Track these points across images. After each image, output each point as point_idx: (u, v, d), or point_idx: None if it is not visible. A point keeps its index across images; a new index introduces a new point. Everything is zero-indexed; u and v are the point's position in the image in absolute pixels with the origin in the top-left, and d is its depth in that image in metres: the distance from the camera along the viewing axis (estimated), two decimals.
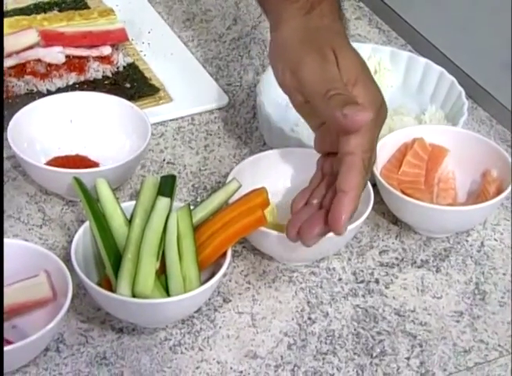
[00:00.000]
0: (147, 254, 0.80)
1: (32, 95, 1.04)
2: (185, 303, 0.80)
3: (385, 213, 0.95)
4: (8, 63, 1.05)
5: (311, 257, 0.89)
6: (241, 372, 0.80)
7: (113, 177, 0.90)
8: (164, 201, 0.84)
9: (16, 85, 1.05)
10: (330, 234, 0.82)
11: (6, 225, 0.92)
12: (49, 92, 1.05)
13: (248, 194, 0.84)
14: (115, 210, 0.85)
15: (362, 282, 0.89)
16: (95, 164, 0.97)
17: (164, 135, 1.04)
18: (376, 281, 0.89)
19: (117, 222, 0.84)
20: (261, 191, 0.84)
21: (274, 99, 1.04)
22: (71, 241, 0.85)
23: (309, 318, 0.85)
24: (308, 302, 0.87)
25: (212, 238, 0.83)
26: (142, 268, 0.80)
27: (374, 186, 0.91)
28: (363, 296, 0.88)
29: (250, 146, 1.04)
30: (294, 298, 0.87)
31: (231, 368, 0.81)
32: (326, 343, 0.83)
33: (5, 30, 1.08)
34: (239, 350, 0.82)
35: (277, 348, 0.83)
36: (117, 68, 1.10)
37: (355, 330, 0.85)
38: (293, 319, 0.85)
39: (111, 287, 0.80)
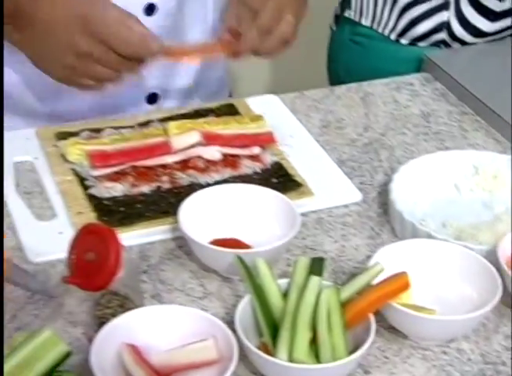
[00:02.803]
0: (302, 325, 0.83)
1: (193, 187, 1.09)
2: (334, 370, 0.82)
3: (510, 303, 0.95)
4: (174, 158, 1.11)
5: (442, 337, 0.90)
6: None
7: (266, 258, 0.93)
8: (315, 280, 0.87)
9: (181, 178, 1.10)
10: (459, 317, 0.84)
11: (173, 296, 0.95)
12: (208, 185, 1.10)
13: (391, 277, 0.86)
14: (272, 286, 0.88)
15: (489, 363, 0.89)
16: (248, 247, 1.00)
17: (306, 224, 1.08)
18: (503, 363, 0.89)
19: (274, 297, 0.87)
20: (404, 274, 0.86)
21: (403, 197, 1.07)
22: (228, 313, 0.88)
23: None
24: None
25: (359, 313, 0.85)
26: (298, 337, 0.82)
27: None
28: None
29: (382, 237, 1.06)
30: (427, 373, 0.88)
31: None
32: None
33: (173, 130, 1.14)
34: None
35: None
36: (265, 166, 1.14)
37: None
38: None
39: (268, 354, 0.83)
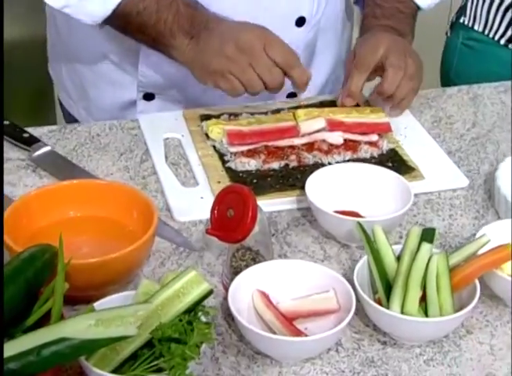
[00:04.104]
0: (414, 284, 0.85)
1: (317, 166, 1.11)
2: (440, 325, 0.83)
3: None
4: (301, 141, 1.14)
5: None
6: None
7: (382, 227, 0.95)
8: (427, 246, 0.88)
9: (307, 157, 1.13)
10: None
11: (297, 256, 0.98)
12: (330, 164, 1.12)
13: (495, 248, 0.87)
14: (387, 249, 0.90)
15: None
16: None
17: (417, 203, 1.09)
18: None
19: (389, 259, 0.89)
20: (507, 246, 0.86)
21: (508, 184, 1.07)
22: (345, 274, 0.91)
23: None
24: None
25: (465, 278, 0.86)
26: (409, 293, 0.84)
27: None
28: None
29: (487, 218, 1.06)
30: None
31: None
32: None
33: (301, 117, 1.17)
34: (480, 371, 0.84)
35: None
36: (382, 151, 1.16)
37: None
38: None
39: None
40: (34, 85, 1.82)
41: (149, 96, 1.27)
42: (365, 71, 1.17)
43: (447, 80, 1.58)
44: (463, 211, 1.08)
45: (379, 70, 1.18)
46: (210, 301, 0.90)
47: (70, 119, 1.36)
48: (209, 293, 0.79)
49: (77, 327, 0.69)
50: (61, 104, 1.40)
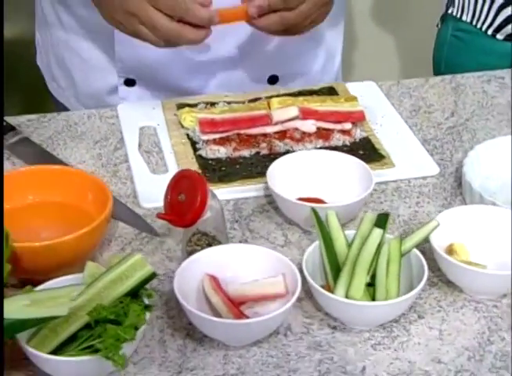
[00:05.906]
0: (360, 268, 0.83)
1: (288, 154, 1.10)
2: (385, 309, 0.81)
3: None
4: (274, 129, 1.13)
5: (493, 291, 0.88)
6: (426, 371, 0.80)
7: (341, 213, 0.94)
8: (377, 231, 0.87)
9: (278, 146, 1.12)
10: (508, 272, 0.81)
11: (258, 242, 0.97)
12: None
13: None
14: (339, 234, 0.88)
15: None
16: None
17: (385, 191, 1.07)
18: None
19: (340, 244, 0.88)
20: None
21: (476, 171, 1.05)
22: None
23: (488, 339, 0.84)
24: (489, 328, 0.85)
25: None
26: (356, 278, 0.82)
27: None
28: None
29: (454, 206, 1.04)
30: (477, 323, 0.86)
31: (418, 368, 0.81)
32: (500, 360, 0.81)
33: (275, 105, 1.16)
34: (427, 355, 0.82)
35: (458, 358, 0.82)
36: (354, 139, 1.14)
37: None
38: (474, 338, 0.84)
39: (331, 292, 0.83)
40: (26, 82, 1.83)
41: (130, 82, 1.26)
42: None
43: (439, 72, 1.55)
44: (431, 198, 1.06)
45: None
46: (167, 286, 0.89)
47: (61, 108, 1.36)
48: (151, 276, 0.78)
49: (12, 306, 0.69)
50: (52, 96, 1.40)
